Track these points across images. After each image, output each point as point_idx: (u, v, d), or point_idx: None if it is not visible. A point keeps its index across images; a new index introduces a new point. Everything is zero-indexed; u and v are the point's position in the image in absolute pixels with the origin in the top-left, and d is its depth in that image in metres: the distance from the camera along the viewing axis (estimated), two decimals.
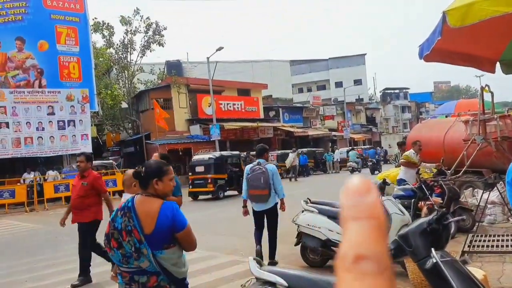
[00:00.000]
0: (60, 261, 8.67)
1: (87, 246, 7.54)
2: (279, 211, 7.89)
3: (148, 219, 3.14)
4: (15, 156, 24.80)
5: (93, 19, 33.33)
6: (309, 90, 66.90)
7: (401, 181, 9.21)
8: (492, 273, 5.86)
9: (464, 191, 10.52)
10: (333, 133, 47.27)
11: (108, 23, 36.32)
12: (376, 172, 27.52)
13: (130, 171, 4.48)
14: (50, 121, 25.76)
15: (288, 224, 7.86)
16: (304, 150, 34.92)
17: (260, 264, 3.79)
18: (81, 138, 26.68)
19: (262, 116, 39.37)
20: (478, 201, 8.46)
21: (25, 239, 13.04)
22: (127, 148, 36.38)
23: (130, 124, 37.94)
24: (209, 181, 20.03)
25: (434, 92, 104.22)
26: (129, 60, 37.14)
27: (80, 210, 7.41)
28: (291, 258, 8.00)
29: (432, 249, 3.12)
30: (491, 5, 4.15)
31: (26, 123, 25.05)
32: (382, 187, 6.79)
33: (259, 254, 7.52)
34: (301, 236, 7.42)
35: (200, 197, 20.96)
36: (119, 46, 36.69)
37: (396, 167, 11.98)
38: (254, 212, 7.84)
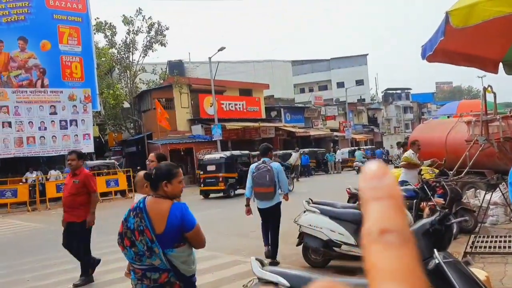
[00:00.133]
0: (62, 261, 8.68)
1: (85, 241, 7.48)
2: (282, 211, 7.99)
3: (159, 219, 3.29)
4: (17, 155, 24.85)
5: (95, 19, 33.38)
6: (311, 90, 66.84)
7: (403, 183, 9.20)
8: (494, 274, 5.85)
9: (466, 192, 10.50)
10: (335, 133, 47.23)
11: (110, 23, 36.35)
12: None
13: (142, 173, 4.67)
14: (52, 121, 25.81)
15: (290, 224, 7.86)
16: (306, 150, 34.90)
17: (262, 264, 3.79)
18: (83, 138, 26.72)
19: (263, 116, 39.36)
20: (481, 202, 8.45)
21: (27, 238, 13.06)
22: (129, 148, 36.37)
23: (132, 124, 37.94)
24: (220, 179, 20.50)
25: (436, 93, 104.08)
26: (131, 60, 37.14)
27: (71, 209, 7.28)
28: (292, 258, 8.00)
29: (435, 250, 3.12)
30: (494, 5, 4.14)
31: (29, 123, 25.11)
32: None
33: (268, 256, 7.62)
34: (303, 237, 7.42)
35: (211, 195, 21.37)
36: (121, 46, 36.69)
37: (395, 167, 11.97)
38: (259, 210, 7.98)
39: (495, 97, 9.83)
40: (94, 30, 31.45)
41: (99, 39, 37.00)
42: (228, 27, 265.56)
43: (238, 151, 23.97)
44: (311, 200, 7.71)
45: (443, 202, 8.16)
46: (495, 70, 6.26)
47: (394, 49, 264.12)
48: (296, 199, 8.41)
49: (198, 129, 34.30)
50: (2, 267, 9.14)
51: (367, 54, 72.64)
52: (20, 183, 22.64)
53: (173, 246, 3.29)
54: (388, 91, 71.96)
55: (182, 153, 31.06)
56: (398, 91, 71.43)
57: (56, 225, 10.49)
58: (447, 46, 5.31)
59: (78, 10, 27.62)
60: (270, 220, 7.93)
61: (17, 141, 24.71)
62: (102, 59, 34.70)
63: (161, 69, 39.10)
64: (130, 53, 36.98)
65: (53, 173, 24.19)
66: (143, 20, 36.59)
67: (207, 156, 22.80)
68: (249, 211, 8.08)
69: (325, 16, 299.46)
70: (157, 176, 3.46)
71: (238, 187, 20.83)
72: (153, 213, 3.32)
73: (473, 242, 6.97)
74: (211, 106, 33.04)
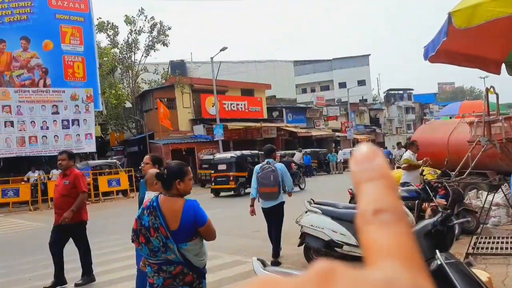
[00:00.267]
0: (64, 260, 8.68)
1: (82, 242, 7.45)
2: (284, 211, 8.09)
3: (173, 217, 3.49)
4: (19, 155, 24.91)
5: (97, 19, 33.39)
6: (313, 90, 66.79)
7: (404, 185, 9.19)
8: (496, 275, 5.84)
9: (469, 192, 10.48)
10: (337, 133, 47.19)
11: (112, 23, 36.39)
12: None
13: (152, 171, 4.91)
14: (54, 120, 25.85)
15: (292, 224, 7.87)
16: (308, 150, 34.86)
17: (263, 264, 3.79)
18: (85, 137, 26.77)
19: (265, 116, 39.35)
20: (483, 203, 8.44)
21: (29, 238, 13.07)
22: (130, 147, 36.40)
23: (134, 124, 37.99)
24: (231, 178, 21.06)
25: (438, 93, 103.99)
26: (133, 60, 37.19)
27: (63, 210, 7.10)
28: (294, 259, 8.01)
29: (437, 251, 3.11)
30: (497, 6, 4.13)
31: (31, 122, 25.15)
32: None
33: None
34: (304, 237, 7.42)
35: (222, 193, 21.88)
36: (123, 45, 36.74)
37: (396, 167, 11.95)
38: (263, 210, 8.12)
39: (497, 98, 9.80)
40: (96, 30, 31.48)
41: (101, 39, 37.09)
42: (229, 27, 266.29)
43: (248, 151, 24.27)
44: (313, 201, 7.72)
45: (445, 203, 8.16)
46: (497, 71, 6.25)
47: (395, 49, 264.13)
48: (298, 200, 8.43)
49: (200, 129, 34.32)
50: (3, 266, 9.16)
51: (369, 55, 72.65)
52: (22, 183, 22.65)
53: (187, 240, 3.48)
54: (390, 92, 71.87)
55: (183, 153, 31.07)
56: (400, 92, 71.32)
57: None
58: (450, 47, 5.30)
59: (80, 10, 27.67)
60: (273, 220, 8.05)
61: (19, 140, 24.76)
62: (104, 58, 34.74)
63: (163, 69, 39.13)
64: (132, 53, 37.03)
65: (55, 172, 24.13)
66: (145, 20, 36.67)
67: (218, 156, 23.33)
68: (253, 211, 8.21)
69: (325, 16, 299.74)
70: (170, 175, 3.61)
71: (248, 185, 20.83)
72: (167, 211, 3.49)
73: (475, 243, 6.95)
74: (213, 106, 33.04)
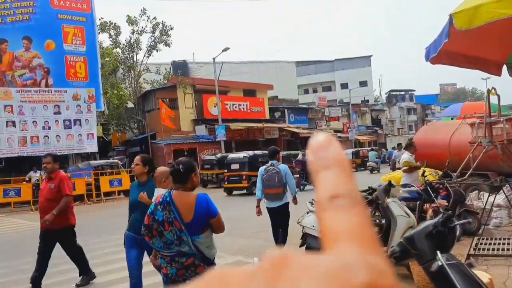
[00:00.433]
0: (64, 260, 8.66)
1: (70, 248, 7.27)
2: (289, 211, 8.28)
3: (186, 209, 3.69)
4: (21, 155, 24.93)
5: (99, 19, 33.41)
6: (315, 91, 66.77)
7: (405, 186, 9.18)
8: (497, 277, 5.83)
9: (470, 193, 10.48)
10: (338, 134, 47.16)
11: (115, 23, 36.44)
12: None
13: (161, 168, 5.14)
14: (56, 120, 25.87)
15: (293, 225, 7.88)
16: None
17: None
18: (87, 138, 26.79)
19: (267, 116, 39.37)
20: (484, 204, 8.42)
21: (30, 238, 13.02)
22: (132, 147, 36.44)
23: (135, 124, 38.02)
24: (244, 177, 21.59)
25: (440, 94, 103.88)
26: (135, 60, 37.23)
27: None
28: None
29: (438, 252, 3.11)
30: (498, 7, 4.13)
31: (33, 122, 25.18)
32: (388, 189, 6.76)
33: None
34: (306, 237, 7.41)
35: (234, 192, 22.35)
36: (125, 46, 36.78)
37: (397, 169, 11.95)
38: (268, 210, 8.27)
39: (499, 99, 9.79)
40: (98, 30, 31.51)
41: (103, 39, 37.14)
42: (230, 27, 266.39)
43: (260, 151, 24.73)
44: (314, 201, 7.71)
45: (447, 204, 8.15)
46: (498, 72, 6.25)
47: (396, 49, 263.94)
48: (299, 200, 8.44)
49: (202, 130, 34.34)
50: (4, 266, 9.16)
51: (371, 56, 72.69)
52: (24, 182, 22.69)
53: (199, 232, 3.69)
54: (391, 93, 71.86)
55: (185, 153, 31.09)
56: (402, 93, 71.32)
57: None
58: (451, 48, 5.30)
59: (82, 10, 27.69)
60: (279, 220, 8.24)
61: (21, 140, 24.78)
62: (106, 59, 34.77)
63: (165, 69, 39.17)
64: (134, 53, 37.08)
65: None
66: (147, 20, 36.70)
67: (231, 155, 23.99)
68: (259, 212, 8.37)
69: (326, 16, 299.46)
70: (187, 169, 3.83)
71: None
72: (180, 204, 3.69)
73: (476, 244, 6.94)
74: (215, 107, 33.06)
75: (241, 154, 23.42)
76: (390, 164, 31.80)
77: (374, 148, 40.86)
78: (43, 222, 6.79)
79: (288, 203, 8.23)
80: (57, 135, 25.83)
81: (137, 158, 5.60)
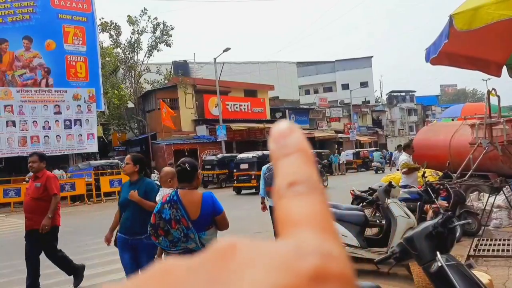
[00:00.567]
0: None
1: (50, 252, 7.08)
2: None
3: (193, 207, 3.81)
4: (21, 154, 24.89)
5: (100, 19, 33.44)
6: (316, 92, 66.79)
7: (405, 187, 9.18)
8: (497, 278, 5.83)
9: (470, 194, 10.47)
10: (339, 135, 47.22)
11: (115, 23, 36.46)
12: None
13: (166, 169, 5.33)
14: (56, 120, 25.89)
15: None
16: None
17: None
18: (87, 138, 26.80)
19: (268, 117, 39.35)
20: (484, 205, 8.42)
21: None
22: (133, 148, 36.43)
23: (136, 124, 38.03)
24: (253, 177, 21.74)
25: (441, 95, 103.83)
26: (135, 60, 37.24)
27: (34, 214, 6.67)
28: None
29: (438, 252, 3.11)
30: (498, 8, 4.14)
31: (33, 122, 25.19)
32: (388, 189, 6.76)
33: None
34: None
35: (243, 191, 22.60)
36: (126, 46, 36.79)
37: (396, 170, 11.96)
38: (270, 208, 8.31)
39: (499, 100, 9.79)
40: (99, 30, 31.53)
41: (104, 39, 37.29)
42: (230, 27, 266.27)
43: (268, 151, 24.68)
44: None
45: (447, 204, 8.16)
46: (498, 73, 6.25)
47: (396, 50, 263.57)
48: None
49: (202, 130, 34.34)
50: (4, 266, 9.16)
51: (372, 57, 72.80)
52: (24, 182, 22.65)
53: (205, 229, 3.81)
54: (392, 94, 71.85)
55: (186, 153, 31.10)
56: (403, 94, 71.31)
57: None
58: (451, 49, 5.31)
59: (83, 10, 27.71)
60: None
61: (21, 140, 24.80)
62: (107, 59, 34.80)
63: (166, 69, 39.17)
64: (135, 53, 37.08)
65: (56, 172, 24.16)
66: (148, 21, 36.71)
67: (240, 155, 24.35)
68: (264, 208, 8.63)
69: (326, 17, 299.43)
70: (193, 168, 4.00)
71: None
72: (187, 202, 3.81)
73: (476, 245, 6.94)
74: (215, 107, 33.06)
75: (250, 154, 23.75)
76: (390, 165, 31.93)
77: (378, 148, 41.00)
78: (42, 228, 6.61)
79: None
80: (57, 135, 25.85)
81: (128, 157, 5.53)
